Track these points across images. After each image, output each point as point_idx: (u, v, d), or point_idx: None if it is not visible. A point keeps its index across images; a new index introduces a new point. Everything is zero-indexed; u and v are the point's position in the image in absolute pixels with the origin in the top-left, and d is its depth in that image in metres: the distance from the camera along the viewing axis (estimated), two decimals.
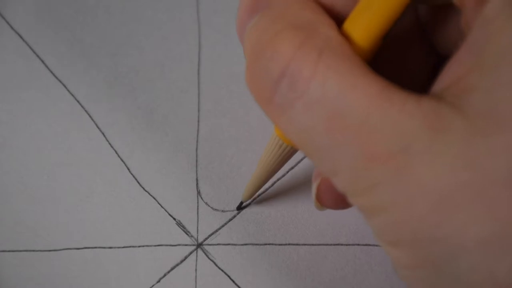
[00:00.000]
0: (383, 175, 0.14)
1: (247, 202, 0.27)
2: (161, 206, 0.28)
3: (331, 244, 0.27)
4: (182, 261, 0.27)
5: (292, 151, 0.22)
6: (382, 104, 0.14)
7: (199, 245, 0.27)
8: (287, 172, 0.28)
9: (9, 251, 0.27)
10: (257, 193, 0.28)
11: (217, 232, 0.27)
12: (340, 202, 0.22)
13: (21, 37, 0.31)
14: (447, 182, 0.13)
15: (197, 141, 0.29)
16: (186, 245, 0.27)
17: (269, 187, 0.28)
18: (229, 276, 0.26)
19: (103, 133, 0.29)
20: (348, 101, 0.14)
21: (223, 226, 0.27)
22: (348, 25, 0.16)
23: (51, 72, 0.30)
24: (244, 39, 0.17)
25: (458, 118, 0.13)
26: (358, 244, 0.27)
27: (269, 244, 0.27)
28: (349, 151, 0.14)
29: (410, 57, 0.19)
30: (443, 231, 0.13)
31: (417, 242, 0.14)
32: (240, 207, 0.27)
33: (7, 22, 0.31)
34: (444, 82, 0.15)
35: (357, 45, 0.16)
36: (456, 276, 0.14)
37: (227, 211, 0.28)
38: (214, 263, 0.27)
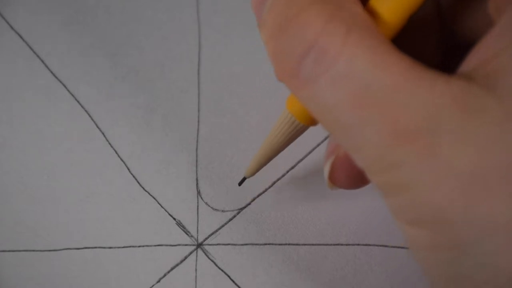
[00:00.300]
0: (410, 154, 0.14)
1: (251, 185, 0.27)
2: (161, 206, 0.28)
3: (331, 244, 0.27)
4: (182, 261, 0.27)
5: (304, 128, 0.22)
6: (411, 81, 0.14)
7: (199, 245, 0.27)
8: (287, 172, 0.28)
9: (9, 251, 0.27)
10: (256, 194, 0.28)
11: (217, 232, 0.27)
12: (354, 180, 0.22)
13: (21, 37, 0.31)
14: (478, 163, 0.13)
15: (197, 141, 0.29)
16: (186, 245, 0.27)
17: (269, 187, 0.28)
18: (229, 276, 0.26)
19: (103, 133, 0.29)
20: (376, 77, 0.14)
21: (223, 226, 0.27)
22: (374, 2, 0.16)
23: (51, 72, 0.30)
24: (265, 12, 0.17)
25: (490, 98, 0.13)
26: (358, 244, 0.27)
27: (269, 244, 0.27)
28: (375, 128, 0.14)
29: (424, 42, 0.19)
30: (471, 213, 0.13)
31: (442, 223, 0.14)
32: (241, 183, 0.27)
33: (7, 22, 0.31)
34: (472, 63, 0.15)
35: (383, 23, 0.16)
36: (480, 259, 0.14)
37: (227, 211, 0.28)
38: (214, 263, 0.27)
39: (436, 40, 0.20)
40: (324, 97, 0.15)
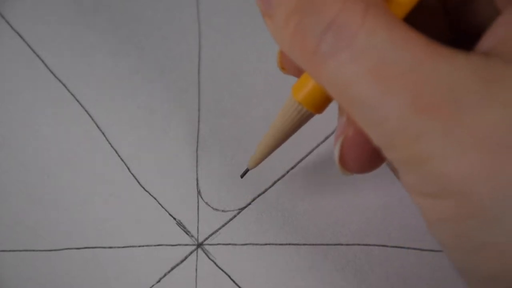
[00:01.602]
0: (433, 124, 0.14)
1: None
2: (161, 206, 0.28)
3: (331, 244, 0.27)
4: (182, 261, 0.27)
5: (309, 116, 0.22)
6: (431, 55, 0.14)
7: (200, 245, 0.27)
8: (287, 172, 0.28)
9: (9, 251, 0.27)
10: (256, 194, 0.28)
11: (218, 232, 0.27)
12: (365, 162, 0.21)
13: (21, 37, 0.31)
14: (504, 131, 0.13)
15: (197, 141, 0.29)
16: (186, 245, 0.27)
17: (269, 187, 0.28)
18: (229, 276, 0.26)
19: (103, 133, 0.29)
20: (397, 51, 0.14)
21: (223, 226, 0.27)
22: None
23: (51, 72, 0.30)
24: None
25: (509, 70, 0.14)
26: (358, 244, 0.27)
27: (269, 244, 0.27)
28: (398, 100, 0.14)
29: (429, 30, 0.20)
30: (499, 180, 0.13)
31: (467, 192, 0.14)
32: (243, 175, 0.27)
33: (7, 22, 0.31)
34: (489, 43, 0.15)
35: (395, 4, 0.16)
36: (506, 225, 0.14)
37: (227, 211, 0.28)
38: (215, 263, 0.27)
39: (441, 28, 0.20)
40: (345, 72, 0.15)
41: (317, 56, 0.16)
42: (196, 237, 0.27)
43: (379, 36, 0.14)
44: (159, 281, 0.26)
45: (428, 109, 0.14)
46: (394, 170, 0.21)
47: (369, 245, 0.27)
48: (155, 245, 0.27)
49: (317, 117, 0.30)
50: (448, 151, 0.14)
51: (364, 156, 0.21)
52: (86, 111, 0.29)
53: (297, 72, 0.22)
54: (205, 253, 0.27)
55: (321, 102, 0.21)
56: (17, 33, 0.31)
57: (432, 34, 0.18)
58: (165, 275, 0.26)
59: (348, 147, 0.21)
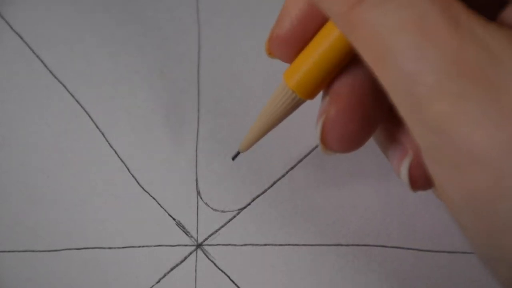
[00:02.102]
0: (471, 86, 0.14)
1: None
2: (161, 206, 0.28)
3: (331, 244, 0.27)
4: (181, 262, 0.27)
5: (300, 102, 0.22)
6: (468, 20, 0.14)
7: (199, 246, 0.27)
8: (287, 172, 0.28)
9: (9, 251, 0.27)
10: (256, 194, 0.28)
11: (217, 233, 0.27)
12: (346, 142, 0.21)
13: (21, 37, 0.31)
14: None
15: (197, 141, 0.29)
16: (185, 245, 0.27)
17: (269, 187, 0.28)
18: (229, 277, 0.26)
19: (103, 133, 0.29)
20: (438, 7, 0.14)
21: (223, 226, 0.27)
22: None
23: (51, 72, 0.30)
24: None
25: None
26: (358, 244, 0.27)
27: (269, 244, 0.27)
28: (438, 53, 0.14)
29: None
30: None
31: (501, 166, 0.13)
32: (235, 158, 0.27)
33: (7, 22, 0.31)
34: None
35: None
36: None
37: (227, 211, 0.28)
38: (214, 264, 0.27)
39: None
40: (389, 21, 0.15)
41: (363, 3, 0.15)
42: (195, 237, 0.27)
43: None
44: (158, 281, 0.26)
45: (467, 70, 0.14)
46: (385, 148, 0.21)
47: (369, 245, 0.27)
48: (154, 246, 0.27)
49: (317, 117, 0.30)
50: (483, 119, 0.13)
51: (346, 135, 0.20)
52: (85, 111, 0.29)
53: (285, 56, 0.22)
54: (205, 254, 0.27)
55: (313, 88, 0.22)
56: (17, 33, 0.31)
57: None
58: (164, 275, 0.26)
59: (330, 126, 0.20)
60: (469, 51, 0.14)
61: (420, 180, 0.20)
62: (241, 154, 0.28)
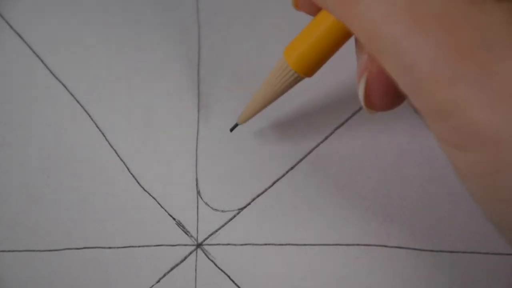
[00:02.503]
0: (466, 70, 0.14)
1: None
2: (161, 206, 0.28)
3: (331, 244, 0.27)
4: (182, 261, 0.27)
5: (299, 79, 0.22)
6: (462, 1, 0.14)
7: (199, 245, 0.27)
8: (287, 172, 0.28)
9: (9, 251, 0.27)
10: (256, 194, 0.28)
11: (217, 232, 0.27)
12: (391, 98, 0.20)
13: (21, 37, 0.31)
14: None
15: (197, 141, 0.29)
16: (186, 245, 0.27)
17: (269, 187, 0.28)
18: (229, 276, 0.26)
19: (103, 133, 0.29)
20: None
21: (223, 226, 0.27)
22: None
23: (51, 72, 0.30)
24: None
25: None
26: (358, 244, 0.27)
27: (268, 244, 0.27)
28: (430, 41, 0.14)
29: None
30: None
31: (501, 144, 0.13)
32: (233, 129, 0.27)
33: (7, 22, 0.31)
34: None
35: None
36: None
37: (227, 211, 0.28)
38: (214, 263, 0.27)
39: None
40: (379, 11, 0.15)
41: None
42: (195, 237, 0.27)
43: None
44: (158, 281, 0.26)
45: (461, 54, 0.14)
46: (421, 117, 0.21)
47: (369, 245, 0.27)
48: (154, 245, 0.27)
49: (317, 117, 0.30)
50: (481, 99, 0.13)
51: (391, 92, 0.20)
52: (85, 111, 0.29)
53: (311, 9, 0.21)
54: (205, 253, 0.27)
55: (312, 66, 0.22)
56: (17, 33, 0.31)
57: None
58: (164, 275, 0.26)
59: (374, 84, 0.20)
60: (460, 34, 0.14)
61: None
62: (241, 155, 0.28)
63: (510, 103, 0.13)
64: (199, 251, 0.27)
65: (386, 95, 0.20)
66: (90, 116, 0.29)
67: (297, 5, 0.22)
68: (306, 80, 0.23)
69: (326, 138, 0.29)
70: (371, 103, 0.20)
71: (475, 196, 0.16)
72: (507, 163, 0.14)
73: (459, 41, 0.14)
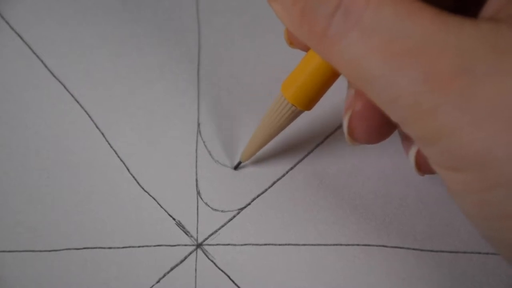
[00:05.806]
0: (448, 97, 0.14)
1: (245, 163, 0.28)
2: (161, 206, 0.28)
3: (331, 244, 0.27)
4: (181, 261, 0.27)
5: (298, 113, 0.22)
6: (440, 27, 0.14)
7: (199, 245, 0.27)
8: (287, 172, 0.28)
9: (9, 251, 0.27)
10: (256, 194, 0.28)
11: (217, 232, 0.27)
12: (373, 134, 0.21)
13: (21, 37, 0.31)
14: None
15: (197, 141, 0.29)
16: (185, 245, 0.27)
17: (269, 187, 0.28)
18: (229, 276, 0.26)
19: (102, 133, 0.29)
20: (405, 25, 0.14)
21: (223, 226, 0.27)
22: None
23: (51, 72, 0.30)
24: None
25: None
26: (358, 244, 0.27)
27: (268, 244, 0.27)
28: (410, 75, 0.14)
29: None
30: None
31: (487, 163, 0.14)
32: (237, 167, 0.28)
33: (7, 22, 0.31)
34: (495, 6, 0.15)
35: None
36: None
37: (227, 211, 0.28)
38: (214, 263, 0.27)
39: None
40: (356, 51, 0.15)
41: (327, 38, 0.16)
42: (195, 237, 0.27)
43: (385, 12, 0.14)
44: (158, 281, 0.26)
45: (441, 82, 0.14)
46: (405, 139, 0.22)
47: (369, 245, 0.27)
48: (154, 246, 0.27)
49: (317, 117, 0.30)
50: (464, 124, 0.14)
51: (372, 129, 0.21)
52: (85, 111, 0.29)
53: (305, 47, 0.22)
54: (205, 254, 0.27)
55: (310, 100, 0.22)
56: (17, 33, 0.31)
57: (436, 2, 0.18)
58: (164, 275, 0.26)
59: (356, 120, 0.21)
60: (439, 62, 0.14)
61: (424, 165, 0.21)
62: (241, 153, 0.28)
63: (493, 123, 0.14)
64: (199, 251, 0.27)
65: (368, 132, 0.21)
66: (90, 116, 0.29)
67: (291, 43, 0.24)
68: None
69: (326, 138, 0.29)
70: (353, 138, 0.21)
71: (469, 215, 0.16)
72: (497, 180, 0.14)
73: (438, 70, 0.14)
